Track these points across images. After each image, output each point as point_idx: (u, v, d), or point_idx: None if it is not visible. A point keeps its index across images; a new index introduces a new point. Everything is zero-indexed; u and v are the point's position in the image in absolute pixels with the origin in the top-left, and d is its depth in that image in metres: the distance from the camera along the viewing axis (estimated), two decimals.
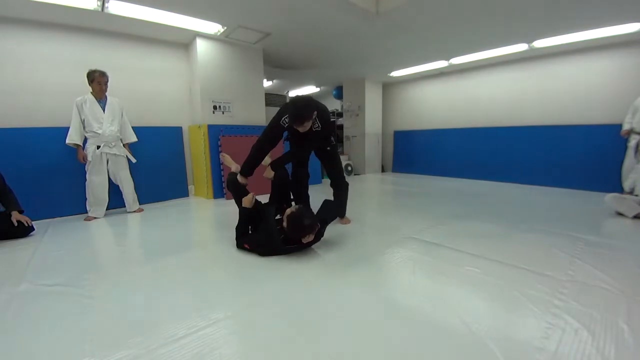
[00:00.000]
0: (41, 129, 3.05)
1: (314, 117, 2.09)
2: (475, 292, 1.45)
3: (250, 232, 2.11)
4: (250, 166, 2.22)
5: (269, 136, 2.22)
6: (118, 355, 1.03)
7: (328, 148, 2.39)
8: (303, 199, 2.69)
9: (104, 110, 3.00)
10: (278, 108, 2.26)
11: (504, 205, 3.43)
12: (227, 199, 3.85)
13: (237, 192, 2.19)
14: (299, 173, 2.67)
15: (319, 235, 1.97)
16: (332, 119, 2.45)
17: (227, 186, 2.14)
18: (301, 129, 2.07)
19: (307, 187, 2.75)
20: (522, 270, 1.66)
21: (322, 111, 2.22)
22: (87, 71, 2.92)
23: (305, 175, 2.69)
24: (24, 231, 2.45)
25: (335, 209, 2.14)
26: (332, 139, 2.39)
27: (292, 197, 2.51)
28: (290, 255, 1.89)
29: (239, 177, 2.21)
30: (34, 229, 2.53)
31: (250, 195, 2.10)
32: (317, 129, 2.20)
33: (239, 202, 2.13)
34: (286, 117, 2.12)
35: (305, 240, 1.85)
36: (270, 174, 2.28)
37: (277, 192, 2.35)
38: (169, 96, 4.02)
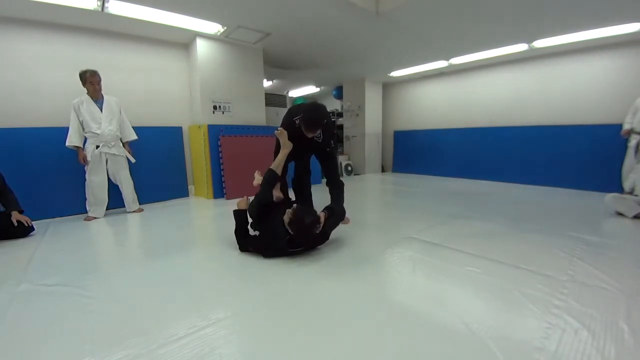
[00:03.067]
0: (41, 129, 3.04)
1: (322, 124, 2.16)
2: (475, 292, 1.45)
3: (252, 226, 2.09)
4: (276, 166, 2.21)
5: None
6: (118, 355, 1.03)
7: (327, 149, 2.43)
8: (305, 197, 2.70)
9: (101, 110, 3.00)
10: (278, 108, 2.26)
11: (504, 205, 3.42)
12: (227, 198, 3.85)
13: (269, 185, 2.10)
14: (300, 170, 2.68)
15: (323, 238, 1.98)
16: (332, 119, 2.48)
17: (264, 181, 2.10)
18: (310, 134, 2.13)
19: (310, 184, 2.76)
20: (522, 270, 1.66)
21: (328, 123, 2.28)
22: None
23: (307, 173, 2.71)
24: (24, 231, 2.45)
25: (337, 219, 2.15)
26: (332, 141, 2.44)
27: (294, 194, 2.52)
28: (291, 255, 1.89)
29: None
30: (34, 229, 2.53)
31: (245, 198, 2.08)
32: (317, 139, 2.25)
33: (263, 193, 2.06)
34: (297, 118, 2.16)
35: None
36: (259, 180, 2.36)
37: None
38: (169, 96, 4.02)
